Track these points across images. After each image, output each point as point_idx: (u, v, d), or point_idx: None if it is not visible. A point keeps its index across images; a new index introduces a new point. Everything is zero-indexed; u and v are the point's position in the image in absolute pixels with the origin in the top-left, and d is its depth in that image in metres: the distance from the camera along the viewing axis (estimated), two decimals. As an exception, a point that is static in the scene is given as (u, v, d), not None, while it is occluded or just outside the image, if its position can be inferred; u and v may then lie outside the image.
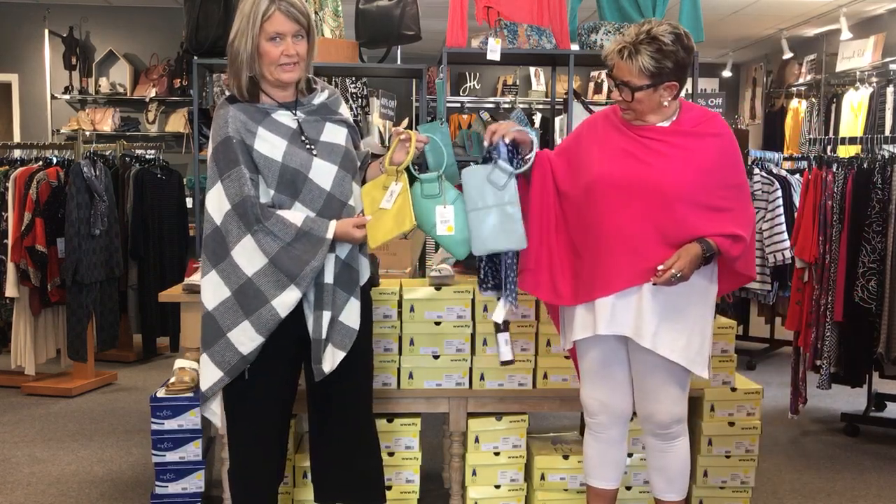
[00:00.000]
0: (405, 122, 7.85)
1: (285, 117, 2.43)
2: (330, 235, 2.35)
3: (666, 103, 2.49)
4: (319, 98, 2.51)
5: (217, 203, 2.37)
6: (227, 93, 2.47)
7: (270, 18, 2.32)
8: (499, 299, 2.62)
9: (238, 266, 2.35)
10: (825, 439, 4.35)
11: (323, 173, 2.39)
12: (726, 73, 9.84)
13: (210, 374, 2.41)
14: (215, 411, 2.50)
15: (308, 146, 2.41)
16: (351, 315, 2.46)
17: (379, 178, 2.51)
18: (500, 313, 2.61)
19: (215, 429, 3.33)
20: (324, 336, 2.40)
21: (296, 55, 2.37)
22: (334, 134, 2.47)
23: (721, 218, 2.46)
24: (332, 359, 2.43)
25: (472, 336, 3.10)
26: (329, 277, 2.41)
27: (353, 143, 2.54)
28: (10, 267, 4.85)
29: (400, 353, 3.08)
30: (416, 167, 2.59)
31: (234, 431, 2.54)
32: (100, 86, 8.10)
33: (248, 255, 2.34)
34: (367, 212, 2.48)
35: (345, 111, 2.58)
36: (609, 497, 2.75)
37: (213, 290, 2.38)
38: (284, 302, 2.34)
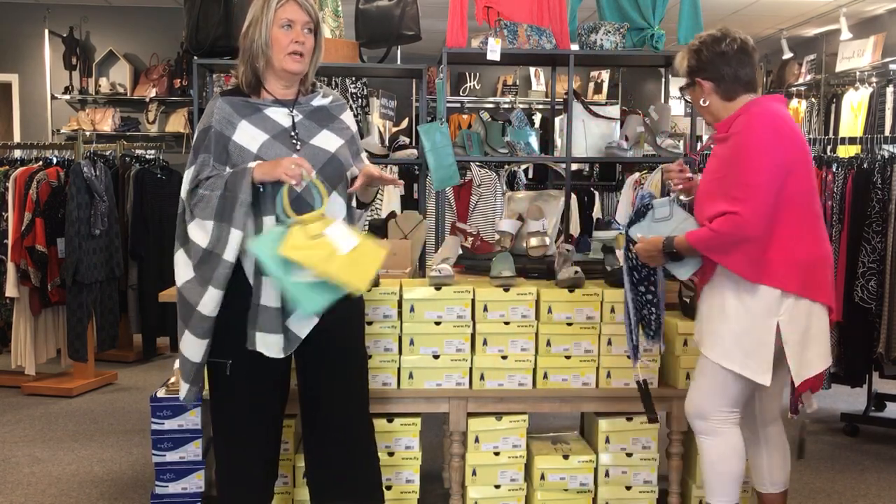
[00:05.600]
0: (405, 122, 7.85)
1: (279, 114, 2.43)
2: (252, 165, 2.32)
3: (702, 102, 2.65)
4: (320, 101, 2.51)
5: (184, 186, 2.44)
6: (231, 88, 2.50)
7: (284, 6, 2.39)
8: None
9: (195, 241, 2.36)
10: (825, 439, 4.35)
11: None
12: (726, 73, 9.82)
13: (196, 347, 2.38)
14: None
15: (294, 143, 2.40)
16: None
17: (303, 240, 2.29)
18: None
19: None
20: (272, 304, 2.34)
21: (304, 44, 2.40)
22: (327, 140, 2.46)
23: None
24: (263, 343, 2.37)
25: (472, 336, 3.10)
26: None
27: (351, 153, 2.52)
28: (10, 267, 4.85)
29: (400, 353, 3.08)
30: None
31: (219, 431, 2.52)
32: (100, 86, 8.09)
33: (198, 227, 2.35)
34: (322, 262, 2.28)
35: (348, 119, 2.56)
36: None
37: (182, 267, 2.40)
38: (231, 246, 2.31)
